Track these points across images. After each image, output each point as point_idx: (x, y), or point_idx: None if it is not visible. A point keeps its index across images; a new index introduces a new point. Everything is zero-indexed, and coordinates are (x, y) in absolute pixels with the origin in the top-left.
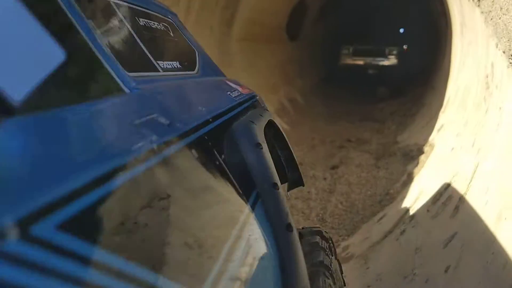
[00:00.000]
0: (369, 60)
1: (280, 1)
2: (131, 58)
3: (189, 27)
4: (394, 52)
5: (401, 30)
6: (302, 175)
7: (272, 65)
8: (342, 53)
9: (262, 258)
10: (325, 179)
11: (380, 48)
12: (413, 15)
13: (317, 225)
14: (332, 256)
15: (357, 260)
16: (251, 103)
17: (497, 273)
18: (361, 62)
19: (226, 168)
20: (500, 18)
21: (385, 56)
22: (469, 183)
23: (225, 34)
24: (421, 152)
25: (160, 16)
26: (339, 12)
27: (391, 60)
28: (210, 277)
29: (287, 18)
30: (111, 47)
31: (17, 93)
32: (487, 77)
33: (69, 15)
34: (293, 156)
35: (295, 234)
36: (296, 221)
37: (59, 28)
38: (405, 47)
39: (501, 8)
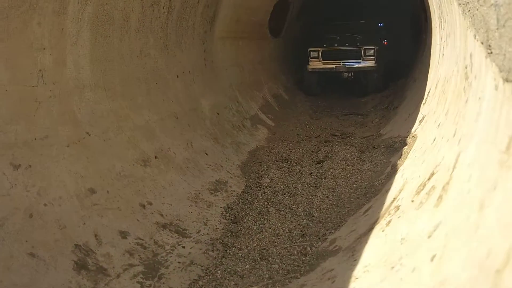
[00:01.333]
0: (341, 64)
1: None
2: None
3: (171, 25)
4: (371, 52)
5: (380, 24)
6: (289, 171)
7: (256, 62)
8: (311, 56)
9: None
10: (311, 174)
11: (354, 49)
12: (394, 9)
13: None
14: None
15: (344, 252)
16: None
17: (482, 260)
18: (332, 66)
19: None
20: (477, 10)
21: (360, 57)
22: (452, 172)
23: (208, 32)
24: (404, 144)
25: None
26: (320, 9)
27: (369, 62)
28: None
29: (270, 14)
30: None
31: None
32: (466, 67)
33: None
34: None
35: None
36: (283, 217)
37: None
38: (384, 41)
39: (478, 0)
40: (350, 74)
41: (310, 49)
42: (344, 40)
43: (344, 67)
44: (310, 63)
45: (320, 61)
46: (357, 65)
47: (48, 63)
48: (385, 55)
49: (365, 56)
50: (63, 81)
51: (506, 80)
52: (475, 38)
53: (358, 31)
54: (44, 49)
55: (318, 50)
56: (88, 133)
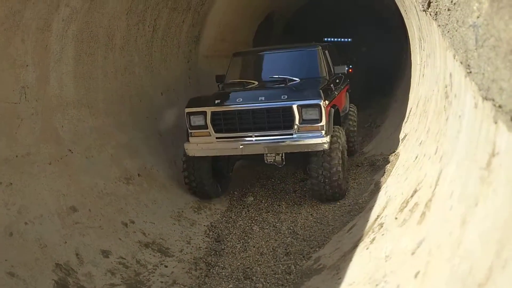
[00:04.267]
0: (252, 142)
1: (247, 18)
2: None
3: (157, 44)
4: (314, 113)
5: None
6: (273, 189)
7: None
8: (191, 125)
9: None
10: (295, 192)
11: (276, 107)
12: (377, 33)
13: None
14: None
15: (329, 271)
16: None
17: (465, 276)
18: (234, 147)
19: None
20: (456, 30)
21: (291, 125)
22: (434, 189)
23: (193, 50)
24: (387, 161)
25: None
26: (304, 28)
27: (312, 136)
28: None
29: (254, 34)
30: None
31: None
32: (446, 87)
33: None
34: None
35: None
36: (267, 235)
37: None
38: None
39: (457, 21)
40: (279, 157)
41: (189, 110)
42: (260, 90)
43: (260, 147)
44: (190, 139)
45: (210, 135)
46: (287, 142)
47: (31, 80)
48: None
49: (303, 121)
50: (46, 98)
51: (485, 98)
52: (454, 58)
53: (292, 69)
54: (27, 66)
55: (204, 113)
56: (70, 150)
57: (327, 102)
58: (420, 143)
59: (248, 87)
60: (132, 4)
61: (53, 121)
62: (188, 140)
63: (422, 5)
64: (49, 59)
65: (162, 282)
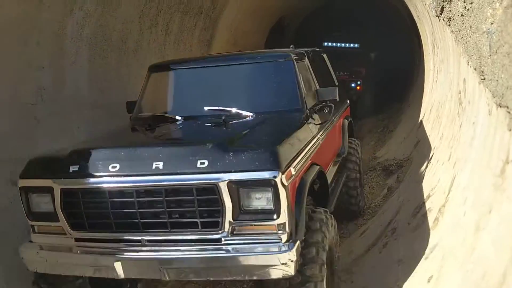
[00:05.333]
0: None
1: (258, 22)
2: None
3: (169, 47)
4: (261, 204)
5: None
6: None
7: None
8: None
9: None
10: None
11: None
12: (388, 37)
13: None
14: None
15: (341, 274)
16: None
17: (478, 281)
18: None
19: None
20: (470, 37)
21: (196, 225)
22: (447, 195)
23: (205, 54)
24: (400, 166)
25: None
26: (315, 32)
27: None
28: None
29: (266, 38)
30: None
31: None
32: (460, 93)
33: None
34: None
35: None
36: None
37: None
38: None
39: (470, 27)
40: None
41: (24, 183)
42: (165, 143)
43: (152, 267)
44: (33, 237)
45: (64, 232)
46: (208, 258)
47: (47, 81)
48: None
49: (242, 214)
50: (62, 100)
51: (499, 105)
52: (468, 64)
53: (242, 95)
54: (43, 68)
55: (51, 190)
56: None
57: (294, 169)
58: (434, 149)
59: (156, 130)
60: (145, 8)
61: (69, 122)
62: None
63: (435, 11)
64: (64, 61)
65: None
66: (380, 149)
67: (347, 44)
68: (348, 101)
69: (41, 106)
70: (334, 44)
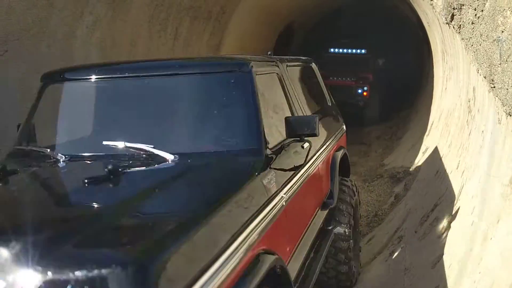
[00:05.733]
0: None
1: (267, 27)
2: None
3: (178, 52)
4: None
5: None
6: None
7: None
8: None
9: None
10: None
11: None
12: (397, 44)
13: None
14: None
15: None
16: None
17: None
18: None
19: None
20: (480, 45)
21: None
22: (455, 204)
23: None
24: (407, 174)
25: None
26: (324, 38)
27: None
28: None
29: (274, 43)
30: None
31: None
32: (469, 101)
33: None
34: None
35: None
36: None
37: None
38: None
39: (481, 35)
40: None
41: None
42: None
43: None
44: None
45: None
46: None
47: None
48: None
49: None
50: None
51: (509, 114)
52: (478, 72)
53: (164, 125)
54: None
55: None
56: None
57: None
58: (442, 157)
59: (9, 183)
60: (154, 12)
61: None
62: None
63: (445, 18)
64: (74, 64)
65: None
66: (388, 156)
67: (354, 50)
68: (344, 126)
69: None
70: (340, 50)
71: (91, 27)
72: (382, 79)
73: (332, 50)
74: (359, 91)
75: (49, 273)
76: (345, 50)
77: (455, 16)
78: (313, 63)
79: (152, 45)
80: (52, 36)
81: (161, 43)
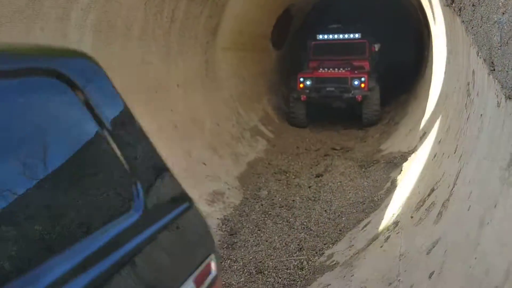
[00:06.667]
0: None
1: (265, 10)
2: None
3: (174, 35)
4: None
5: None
6: (287, 184)
7: (257, 74)
8: None
9: None
10: (309, 187)
11: None
12: (396, 27)
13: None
14: None
15: (342, 268)
16: None
17: (481, 277)
18: None
19: None
20: (481, 27)
21: None
22: (452, 189)
23: (210, 43)
24: (404, 159)
25: None
26: (323, 22)
27: None
28: None
29: (272, 27)
30: None
31: None
32: (468, 84)
33: None
34: None
35: None
36: (280, 229)
37: None
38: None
39: (481, 17)
40: None
41: None
42: None
43: None
44: None
45: None
46: None
47: None
48: None
49: None
50: None
51: (509, 97)
52: (477, 55)
53: None
54: None
55: None
56: None
57: None
58: (439, 142)
59: None
60: None
61: None
62: None
63: (446, 0)
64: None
65: None
66: (385, 142)
67: (347, 35)
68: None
69: None
70: (331, 36)
71: (85, 9)
72: (380, 65)
73: (321, 36)
74: (356, 82)
75: None
76: (336, 36)
77: None
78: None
79: (148, 28)
80: (45, 19)
81: (157, 26)
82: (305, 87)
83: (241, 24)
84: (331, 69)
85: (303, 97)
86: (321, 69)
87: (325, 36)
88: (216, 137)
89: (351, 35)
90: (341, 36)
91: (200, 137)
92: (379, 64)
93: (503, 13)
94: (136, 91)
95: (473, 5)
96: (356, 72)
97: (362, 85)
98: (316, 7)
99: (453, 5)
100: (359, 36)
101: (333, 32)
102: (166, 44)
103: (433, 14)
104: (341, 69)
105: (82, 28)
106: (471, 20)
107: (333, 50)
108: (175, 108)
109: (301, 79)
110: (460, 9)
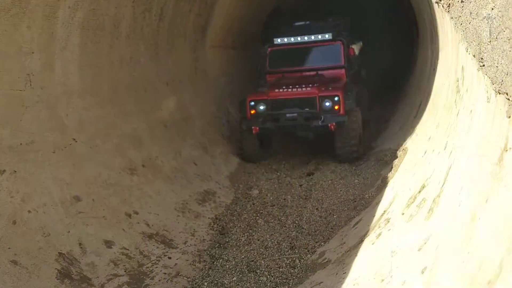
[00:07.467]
0: None
1: (254, 8)
2: None
3: (163, 33)
4: None
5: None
6: (278, 183)
7: (247, 72)
8: None
9: None
10: (301, 185)
11: None
12: (386, 26)
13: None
14: None
15: (334, 265)
16: None
17: (473, 273)
18: None
19: None
20: (470, 23)
21: None
22: (443, 185)
23: (199, 41)
24: (394, 156)
25: None
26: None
27: None
28: None
29: (262, 25)
30: None
31: None
32: (458, 80)
33: None
34: None
35: None
36: (272, 228)
37: None
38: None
39: (470, 13)
40: None
41: None
42: None
43: None
44: None
45: None
46: None
47: (37, 67)
48: None
49: None
50: (51, 86)
51: (499, 92)
52: (467, 51)
53: None
54: (32, 53)
55: None
56: (75, 139)
57: None
58: (429, 138)
59: None
60: None
61: (58, 109)
62: None
63: None
64: (55, 46)
65: (165, 273)
66: (375, 140)
67: (313, 37)
68: None
69: (29, 93)
70: (292, 39)
71: (73, 7)
72: (363, 71)
73: (279, 40)
74: (327, 104)
75: None
76: (299, 38)
77: None
78: None
79: (136, 26)
80: (32, 17)
81: (146, 24)
82: (258, 114)
83: (230, 22)
84: (291, 88)
85: (254, 129)
86: (276, 89)
87: (285, 39)
88: (206, 136)
89: (319, 36)
90: (305, 38)
91: (191, 136)
92: (362, 69)
93: (492, 8)
94: (125, 89)
95: (461, 1)
96: (327, 88)
97: (336, 106)
98: (305, 4)
99: (442, 1)
100: (330, 37)
101: (296, 33)
102: (154, 43)
103: (421, 11)
104: (305, 87)
105: (70, 26)
106: (460, 16)
107: (296, 57)
108: (165, 107)
109: (252, 103)
110: (449, 5)
